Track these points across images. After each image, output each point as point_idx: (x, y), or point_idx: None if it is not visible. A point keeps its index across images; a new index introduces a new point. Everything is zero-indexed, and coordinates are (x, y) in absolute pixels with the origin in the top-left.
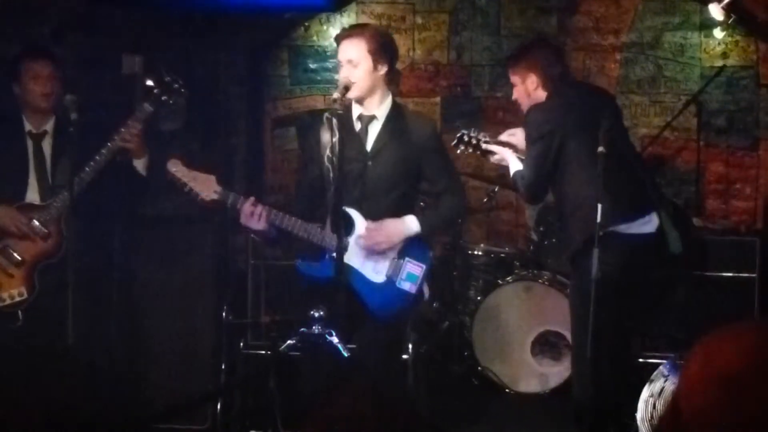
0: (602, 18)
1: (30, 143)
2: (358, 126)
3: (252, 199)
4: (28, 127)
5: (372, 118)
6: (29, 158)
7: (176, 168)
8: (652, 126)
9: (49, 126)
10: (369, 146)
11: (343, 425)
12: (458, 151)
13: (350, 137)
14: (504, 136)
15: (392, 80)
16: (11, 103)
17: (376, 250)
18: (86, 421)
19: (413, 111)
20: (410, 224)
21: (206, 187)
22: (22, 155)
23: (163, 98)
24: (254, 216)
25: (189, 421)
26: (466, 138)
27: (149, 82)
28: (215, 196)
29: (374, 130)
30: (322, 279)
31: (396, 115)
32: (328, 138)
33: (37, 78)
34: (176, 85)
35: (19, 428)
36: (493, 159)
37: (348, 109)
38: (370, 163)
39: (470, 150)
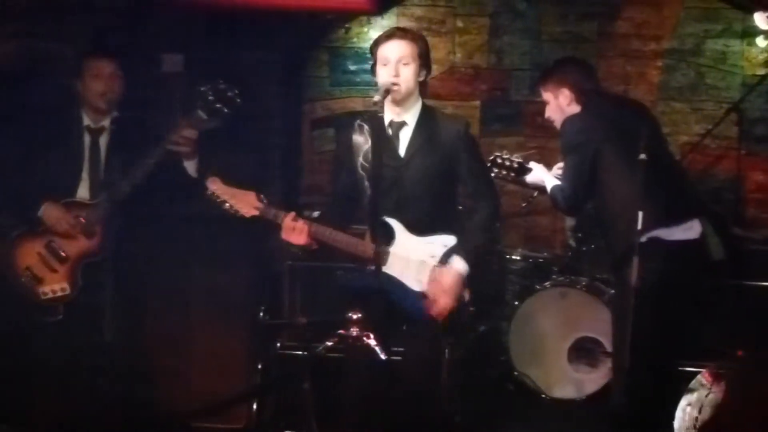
0: (644, 24)
1: (87, 138)
2: (389, 132)
3: (292, 214)
4: (86, 121)
5: (402, 124)
6: (84, 153)
7: (215, 186)
8: (693, 134)
9: (107, 122)
10: (402, 153)
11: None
12: (492, 175)
13: (383, 144)
14: (554, 170)
15: (423, 90)
16: (71, 99)
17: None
18: (122, 418)
19: (445, 113)
20: (459, 268)
21: (246, 203)
22: (78, 150)
23: (217, 106)
24: (295, 231)
25: (224, 421)
26: (499, 160)
27: (204, 88)
28: (256, 212)
29: (405, 136)
30: (362, 289)
31: (426, 118)
32: (360, 145)
33: (97, 77)
34: (230, 94)
35: (55, 421)
36: (529, 179)
37: (382, 116)
38: (404, 169)
39: (504, 172)
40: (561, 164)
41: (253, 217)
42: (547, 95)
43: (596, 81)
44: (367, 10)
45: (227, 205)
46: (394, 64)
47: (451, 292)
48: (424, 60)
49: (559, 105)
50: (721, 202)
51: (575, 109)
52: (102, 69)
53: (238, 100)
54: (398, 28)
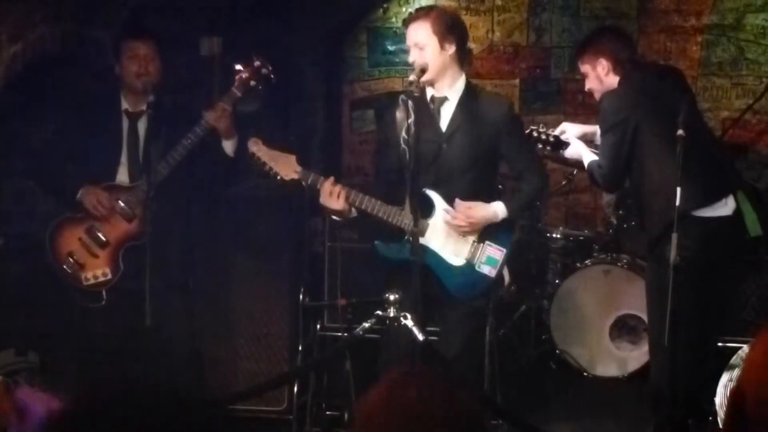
0: None
1: (126, 122)
2: (431, 107)
3: (332, 178)
4: (125, 105)
5: (444, 99)
6: (123, 137)
7: (257, 147)
8: (734, 109)
9: (145, 106)
10: (444, 128)
11: (416, 410)
12: None
13: (425, 119)
14: (559, 130)
15: (465, 60)
16: (111, 83)
17: (457, 231)
18: (164, 402)
19: (489, 92)
20: (497, 210)
21: (287, 166)
22: (117, 134)
23: (252, 83)
24: (333, 195)
25: (265, 403)
26: (535, 134)
27: (238, 67)
28: (295, 176)
29: (447, 112)
30: (399, 261)
31: (470, 96)
32: (403, 120)
33: (134, 58)
34: (265, 71)
35: (99, 406)
36: (567, 153)
37: (423, 91)
38: (444, 145)
39: (539, 146)
40: (563, 126)
41: (293, 181)
42: (584, 67)
43: (633, 49)
44: None
45: (267, 167)
46: (413, 49)
47: (474, 221)
48: (444, 35)
49: (598, 75)
50: (762, 177)
51: (613, 79)
52: (138, 50)
53: (272, 77)
54: (415, 11)
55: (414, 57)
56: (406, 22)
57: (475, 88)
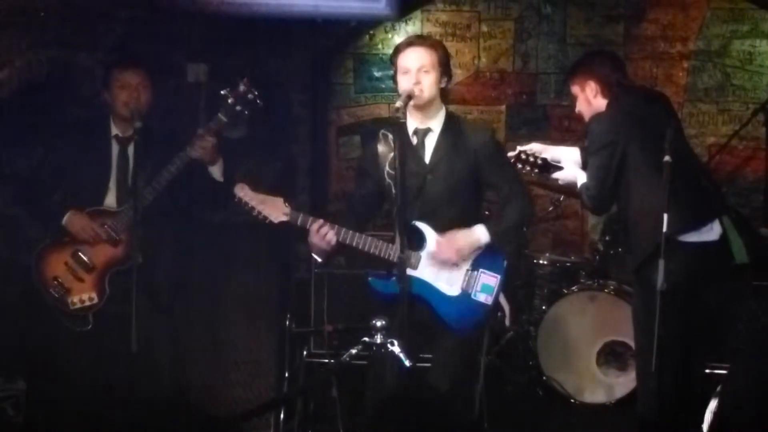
0: (669, 26)
1: (115, 147)
2: (414, 140)
3: (321, 221)
4: (115, 131)
5: (428, 131)
6: (112, 162)
7: (243, 192)
8: (720, 135)
9: (133, 131)
10: (427, 159)
11: None
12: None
13: (408, 152)
14: (545, 150)
15: (447, 94)
16: (100, 109)
17: (447, 264)
18: (149, 427)
19: (470, 120)
20: (479, 234)
21: (275, 209)
22: (106, 159)
23: (238, 108)
24: (320, 235)
25: (252, 429)
26: (523, 156)
27: (224, 92)
28: (284, 218)
29: (431, 143)
30: (394, 295)
31: (451, 125)
32: (385, 154)
33: (124, 87)
34: (251, 96)
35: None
36: (561, 175)
37: (405, 123)
38: (429, 176)
39: (527, 168)
40: (532, 144)
41: (282, 224)
42: (574, 89)
43: (624, 73)
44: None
45: (256, 211)
46: (415, 72)
47: (459, 251)
48: (444, 67)
49: (586, 97)
50: (749, 203)
51: (601, 102)
52: (129, 79)
53: (259, 102)
54: (417, 36)
55: (409, 82)
56: (408, 45)
57: (456, 118)
